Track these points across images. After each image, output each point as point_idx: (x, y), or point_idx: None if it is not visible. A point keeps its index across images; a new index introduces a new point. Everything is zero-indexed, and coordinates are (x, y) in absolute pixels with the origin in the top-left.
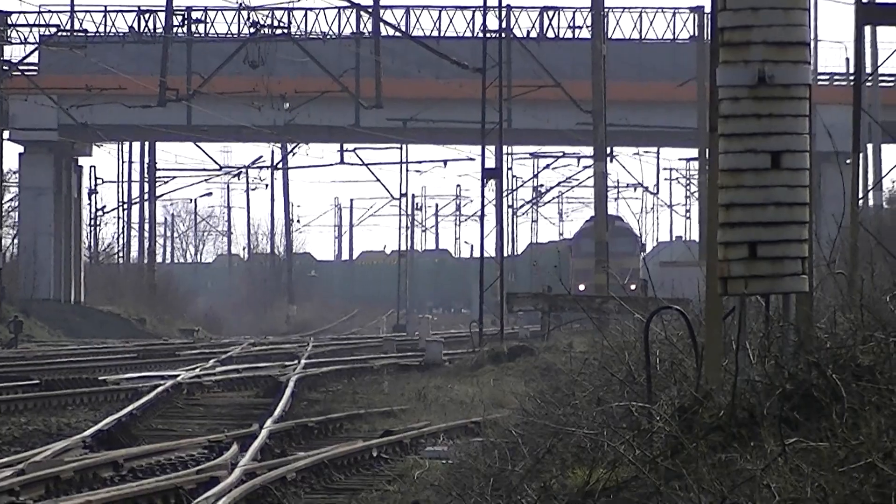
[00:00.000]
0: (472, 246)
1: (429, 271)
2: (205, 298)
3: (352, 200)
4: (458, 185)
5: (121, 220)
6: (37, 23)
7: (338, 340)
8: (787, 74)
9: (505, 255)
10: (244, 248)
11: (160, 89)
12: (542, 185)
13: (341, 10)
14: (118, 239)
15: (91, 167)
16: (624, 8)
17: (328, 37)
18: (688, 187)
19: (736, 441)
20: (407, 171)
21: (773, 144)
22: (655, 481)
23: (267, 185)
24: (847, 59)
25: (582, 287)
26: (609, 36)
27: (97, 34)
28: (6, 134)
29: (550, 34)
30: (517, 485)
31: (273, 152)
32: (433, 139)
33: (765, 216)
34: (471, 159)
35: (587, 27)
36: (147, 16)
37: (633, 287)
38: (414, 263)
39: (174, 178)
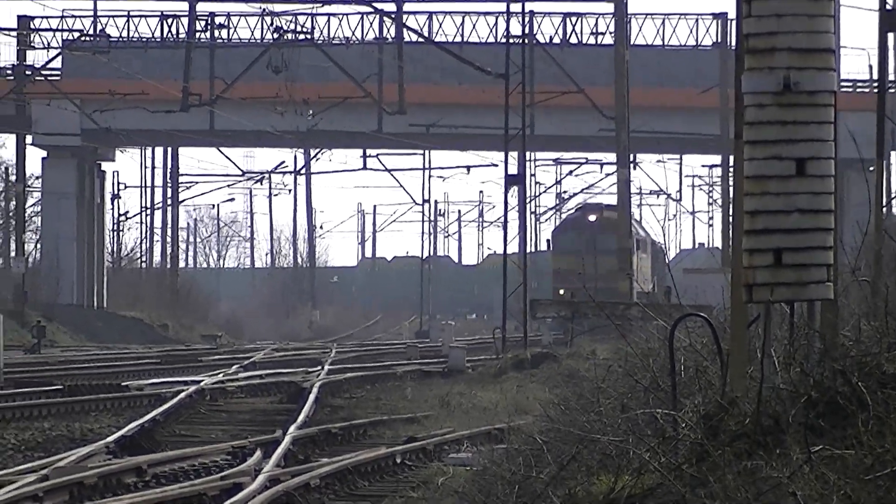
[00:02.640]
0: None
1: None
2: (227, 304)
3: (374, 206)
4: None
5: (143, 226)
6: (60, 27)
7: (360, 346)
8: (812, 81)
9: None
10: (267, 254)
11: (183, 94)
12: (565, 192)
13: (364, 16)
14: (141, 244)
15: (114, 172)
16: (647, 14)
17: (351, 42)
18: (710, 194)
19: (761, 448)
20: (429, 176)
21: (797, 151)
22: (681, 488)
23: (290, 191)
24: (870, 66)
25: (562, 292)
26: (632, 42)
27: (120, 39)
28: (29, 139)
29: (573, 40)
30: (542, 492)
31: (296, 158)
32: (456, 145)
33: (790, 223)
34: (494, 165)
35: (610, 33)
36: (170, 21)
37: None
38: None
39: (197, 183)
